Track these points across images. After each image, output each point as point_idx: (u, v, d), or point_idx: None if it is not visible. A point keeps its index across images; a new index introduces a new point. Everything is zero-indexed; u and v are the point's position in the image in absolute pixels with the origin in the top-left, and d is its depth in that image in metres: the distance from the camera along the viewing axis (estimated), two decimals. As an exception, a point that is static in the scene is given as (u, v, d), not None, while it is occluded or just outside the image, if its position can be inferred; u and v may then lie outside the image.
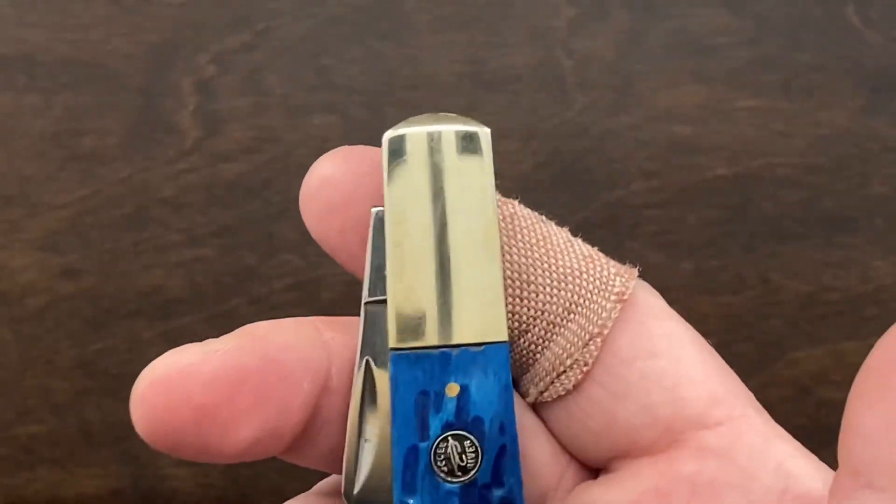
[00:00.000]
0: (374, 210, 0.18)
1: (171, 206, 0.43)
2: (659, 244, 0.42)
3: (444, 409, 0.18)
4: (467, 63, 0.43)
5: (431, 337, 0.18)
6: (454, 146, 0.18)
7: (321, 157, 0.19)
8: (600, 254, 0.20)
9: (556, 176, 0.42)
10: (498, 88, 0.43)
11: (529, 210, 0.20)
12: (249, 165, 0.43)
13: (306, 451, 0.19)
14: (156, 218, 0.43)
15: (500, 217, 0.19)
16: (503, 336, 0.18)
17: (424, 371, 0.18)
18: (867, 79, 0.43)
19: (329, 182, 0.19)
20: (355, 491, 0.18)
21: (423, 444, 0.18)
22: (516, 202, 0.20)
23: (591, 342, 0.19)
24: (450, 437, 0.18)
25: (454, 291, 0.18)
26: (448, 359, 0.18)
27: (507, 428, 0.18)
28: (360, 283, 0.19)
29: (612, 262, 0.20)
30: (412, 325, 0.18)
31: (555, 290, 0.19)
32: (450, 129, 0.18)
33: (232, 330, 0.18)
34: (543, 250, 0.19)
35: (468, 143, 0.18)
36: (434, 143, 0.18)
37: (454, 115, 0.19)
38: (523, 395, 0.20)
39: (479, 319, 0.18)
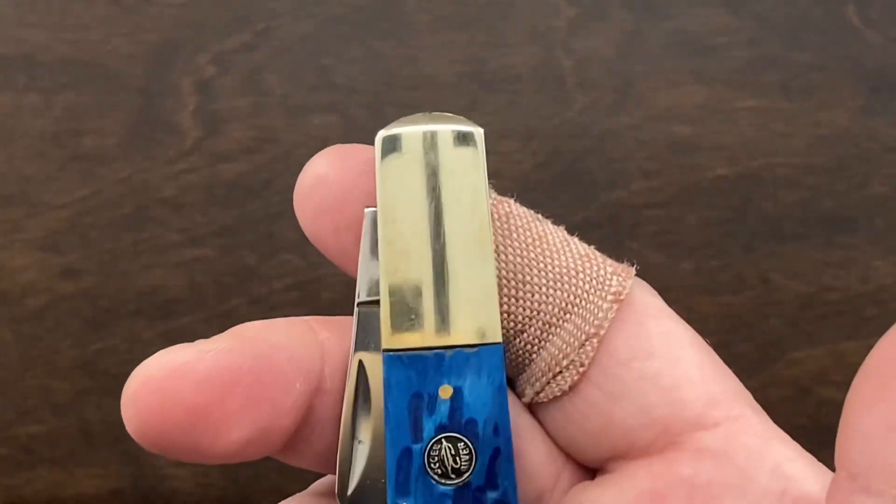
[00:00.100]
0: (367, 210, 0.18)
1: (171, 206, 0.43)
2: (659, 244, 0.42)
3: (437, 411, 0.18)
4: (467, 63, 0.43)
5: (425, 338, 0.18)
6: (448, 146, 0.18)
7: (315, 156, 0.19)
8: (597, 253, 0.20)
9: (556, 176, 0.42)
10: (498, 88, 0.42)
11: (525, 209, 0.20)
12: (249, 165, 0.43)
13: (300, 451, 0.19)
14: (156, 218, 0.43)
15: (496, 216, 0.19)
16: (497, 337, 0.18)
17: (418, 372, 0.18)
18: (867, 79, 0.42)
19: (323, 181, 0.19)
20: (349, 492, 0.18)
21: (416, 446, 0.18)
22: (512, 201, 0.20)
23: (587, 342, 0.19)
24: (443, 439, 0.18)
25: (448, 292, 0.18)
26: (441, 360, 0.18)
27: (501, 430, 0.18)
28: (360, 284, 0.19)
29: (609, 261, 0.20)
30: (405, 326, 0.18)
31: (551, 290, 0.19)
32: (443, 128, 0.18)
33: (232, 330, 0.18)
34: (539, 249, 0.19)
35: (462, 143, 0.18)
36: (427, 142, 0.18)
37: (448, 114, 0.19)
38: (519, 396, 0.20)
39: (473, 320, 0.18)
